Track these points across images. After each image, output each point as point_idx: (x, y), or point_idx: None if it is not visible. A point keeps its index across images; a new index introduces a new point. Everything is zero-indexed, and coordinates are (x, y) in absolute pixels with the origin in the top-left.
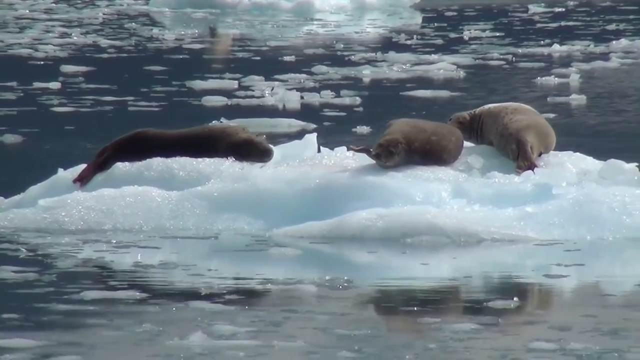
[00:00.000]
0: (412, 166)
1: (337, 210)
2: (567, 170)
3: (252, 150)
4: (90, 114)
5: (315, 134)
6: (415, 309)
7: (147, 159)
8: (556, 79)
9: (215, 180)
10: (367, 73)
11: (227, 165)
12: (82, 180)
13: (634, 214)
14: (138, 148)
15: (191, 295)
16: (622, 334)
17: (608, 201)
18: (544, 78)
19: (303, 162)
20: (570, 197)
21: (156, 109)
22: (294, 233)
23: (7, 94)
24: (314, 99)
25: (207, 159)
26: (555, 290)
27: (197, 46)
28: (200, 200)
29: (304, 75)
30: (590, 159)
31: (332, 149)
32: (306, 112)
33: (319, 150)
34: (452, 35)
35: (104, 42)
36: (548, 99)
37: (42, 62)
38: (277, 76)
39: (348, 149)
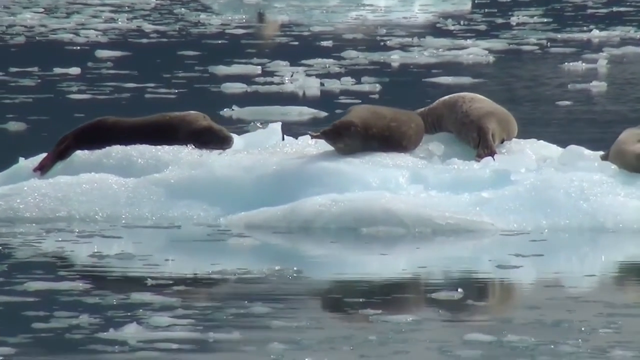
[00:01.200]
0: (371, 153)
1: (294, 197)
2: (527, 156)
3: (212, 138)
4: (105, 100)
5: (280, 123)
6: (361, 300)
7: (107, 147)
8: (584, 64)
9: (173, 167)
10: (395, 58)
11: (186, 153)
12: (42, 168)
13: (591, 199)
14: (98, 136)
15: (135, 286)
16: (563, 326)
17: (565, 186)
18: (571, 64)
19: (263, 150)
20: (527, 182)
21: (173, 96)
22: (248, 219)
23: (25, 80)
24: (334, 85)
25: (166, 147)
26: (505, 282)
27: (240, 31)
28: (157, 187)
29: (330, 61)
30: (553, 146)
31: (296, 137)
32: (325, 99)
33: (283, 139)
34: (499, 20)
35: (148, 27)
36: (569, 85)
37: (78, 48)
38: (304, 61)
39: (312, 137)
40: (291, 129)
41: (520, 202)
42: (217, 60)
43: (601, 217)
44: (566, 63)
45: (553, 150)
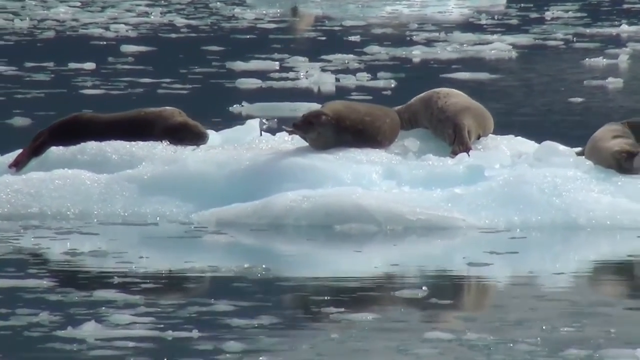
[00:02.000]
0: (345, 149)
1: (267, 193)
2: (501, 152)
3: (187, 134)
4: (117, 96)
5: (258, 119)
6: (327, 298)
7: (82, 143)
8: (605, 60)
9: (147, 163)
10: (417, 53)
11: (161, 149)
12: (18, 165)
13: (564, 195)
14: (74, 132)
15: (101, 283)
16: (524, 324)
17: (538, 182)
18: (592, 59)
19: (239, 146)
20: (501, 178)
21: (185, 92)
22: (219, 215)
23: (39, 75)
24: (349, 81)
25: (140, 143)
26: (472, 280)
27: (272, 26)
28: (130, 183)
29: (350, 56)
30: (531, 142)
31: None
32: (339, 95)
33: (261, 135)
34: (534, 15)
35: (180, 21)
36: (585, 82)
37: (104, 43)
38: (324, 57)
39: (288, 133)
40: None
41: (493, 198)
42: (240, 55)
43: (574, 213)
44: (587, 59)
45: (530, 146)
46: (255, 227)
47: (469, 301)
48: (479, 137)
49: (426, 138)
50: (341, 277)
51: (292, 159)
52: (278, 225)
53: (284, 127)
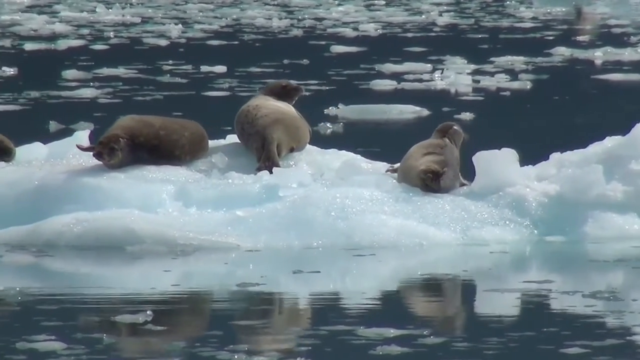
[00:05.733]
0: (142, 166)
1: (50, 214)
2: (302, 170)
3: None
4: (217, 99)
5: (87, 131)
6: (49, 324)
7: None
8: None
9: None
10: (598, 55)
11: None
12: None
13: (351, 217)
14: None
15: None
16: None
17: (326, 204)
18: None
19: (41, 163)
20: (288, 200)
21: (306, 94)
22: None
23: (160, 77)
24: (490, 82)
25: None
26: (204, 304)
27: (528, 25)
28: None
29: (521, 58)
30: (350, 155)
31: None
32: (465, 97)
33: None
34: None
35: (443, 20)
36: None
37: (316, 42)
38: (493, 59)
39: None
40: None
41: (277, 221)
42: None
43: (357, 236)
44: None
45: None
46: (24, 250)
47: (184, 326)
48: (292, 150)
49: (238, 153)
50: (83, 301)
51: (80, 179)
52: (50, 247)
53: (77, 144)
